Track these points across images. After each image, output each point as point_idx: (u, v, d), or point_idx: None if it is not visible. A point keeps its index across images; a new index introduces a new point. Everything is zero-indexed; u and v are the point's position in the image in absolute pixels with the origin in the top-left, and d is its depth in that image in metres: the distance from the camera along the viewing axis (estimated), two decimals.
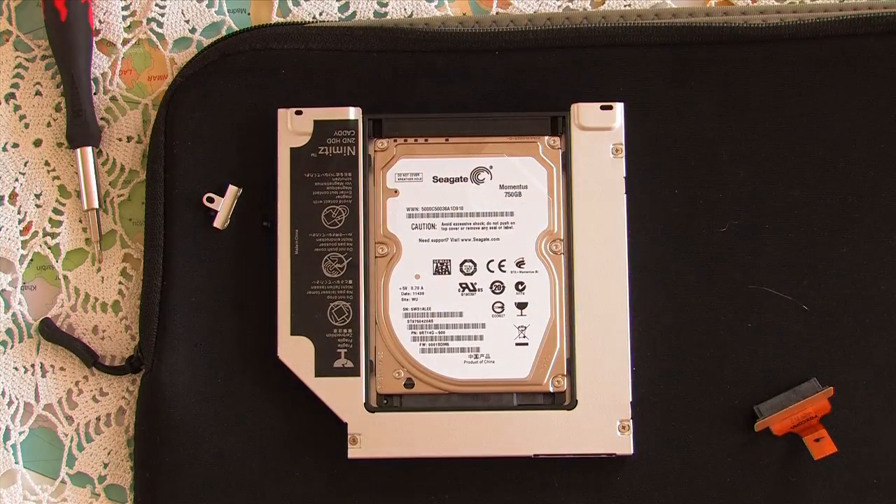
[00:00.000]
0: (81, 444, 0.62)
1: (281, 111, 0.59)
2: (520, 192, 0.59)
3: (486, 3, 0.63)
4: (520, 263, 0.58)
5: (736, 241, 0.59)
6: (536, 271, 0.58)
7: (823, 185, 0.59)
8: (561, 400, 0.58)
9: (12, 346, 0.63)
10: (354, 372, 0.58)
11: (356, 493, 0.59)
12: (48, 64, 0.64)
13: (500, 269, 0.58)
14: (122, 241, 0.63)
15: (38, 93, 0.64)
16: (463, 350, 0.58)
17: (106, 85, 0.64)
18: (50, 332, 0.62)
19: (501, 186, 0.59)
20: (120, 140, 0.63)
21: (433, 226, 0.59)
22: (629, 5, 0.62)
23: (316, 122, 0.59)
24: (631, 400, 0.57)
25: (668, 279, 0.59)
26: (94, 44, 0.63)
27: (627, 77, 0.60)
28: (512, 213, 0.59)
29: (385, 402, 0.58)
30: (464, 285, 0.58)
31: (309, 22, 0.63)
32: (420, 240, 0.59)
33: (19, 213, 0.63)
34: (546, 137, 0.59)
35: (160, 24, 0.64)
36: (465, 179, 0.59)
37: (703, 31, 0.60)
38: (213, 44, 0.62)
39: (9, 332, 0.63)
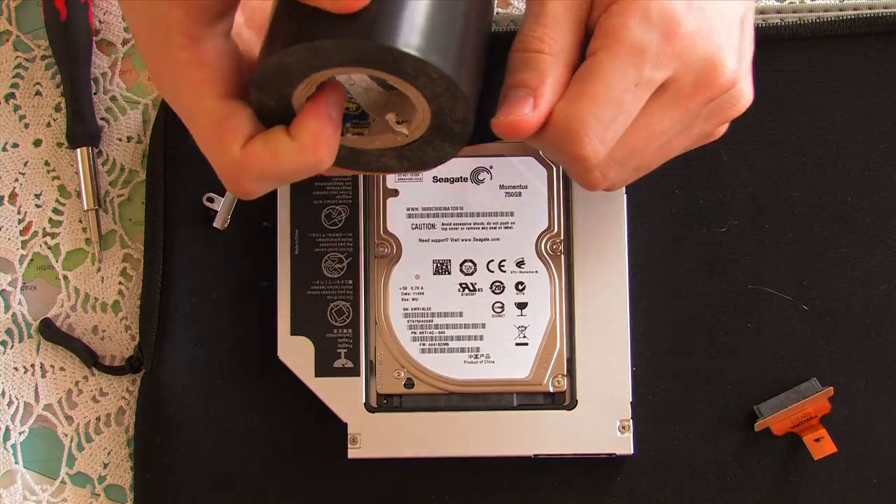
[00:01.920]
0: (81, 444, 0.62)
1: None
2: (520, 192, 0.59)
3: None
4: (520, 263, 0.58)
5: (736, 241, 0.59)
6: (536, 271, 0.58)
7: (823, 185, 0.59)
8: (561, 400, 0.58)
9: (12, 346, 0.63)
10: (354, 372, 0.58)
11: (356, 493, 0.59)
12: (48, 64, 0.64)
13: (500, 269, 0.58)
14: (122, 241, 0.63)
15: (38, 93, 0.64)
16: (463, 350, 0.58)
17: (106, 85, 0.64)
18: (50, 332, 0.62)
19: (501, 186, 0.59)
20: (120, 140, 0.63)
21: (433, 226, 0.59)
22: None
23: None
24: (631, 400, 0.57)
25: (668, 279, 0.59)
26: (94, 44, 0.63)
27: None
28: (512, 213, 0.59)
29: (385, 402, 0.58)
30: (464, 285, 0.58)
31: None
32: (420, 240, 0.59)
33: (19, 213, 0.63)
34: None
35: None
36: (465, 179, 0.59)
37: None
38: None
39: (9, 332, 0.63)
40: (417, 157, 0.46)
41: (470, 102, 0.43)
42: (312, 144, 0.43)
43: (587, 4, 0.45)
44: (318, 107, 0.43)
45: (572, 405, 0.57)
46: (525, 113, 0.43)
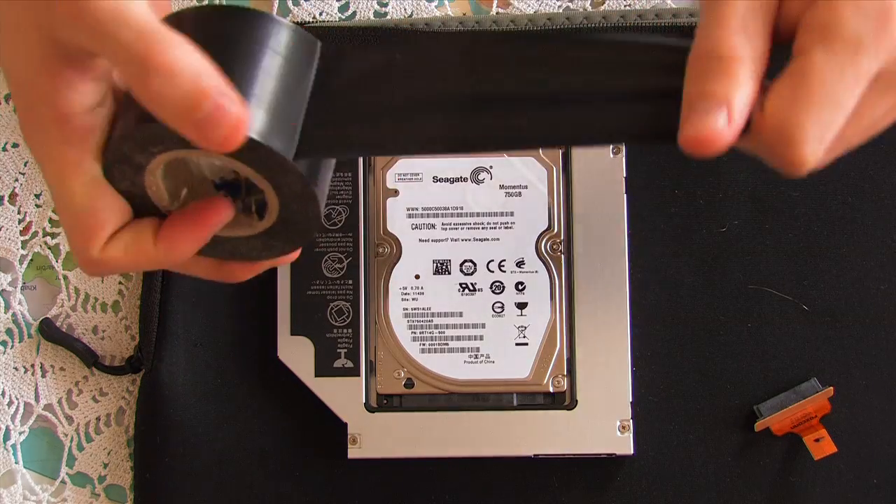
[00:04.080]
0: (81, 444, 0.62)
1: None
2: (520, 192, 0.59)
3: (486, 3, 0.63)
4: (520, 263, 0.58)
5: (736, 241, 0.59)
6: (536, 271, 0.58)
7: (823, 185, 0.59)
8: (561, 400, 0.58)
9: (12, 346, 0.63)
10: (354, 372, 0.58)
11: (356, 493, 0.59)
12: None
13: (500, 269, 0.58)
14: None
15: None
16: (463, 350, 0.58)
17: None
18: (50, 332, 0.62)
19: (501, 186, 0.59)
20: None
21: (433, 226, 0.59)
22: (629, 5, 0.62)
23: None
24: (631, 400, 0.57)
25: (668, 279, 0.59)
26: None
27: None
28: (512, 213, 0.59)
29: (385, 402, 0.58)
30: (464, 285, 0.58)
31: (309, 22, 0.63)
32: (420, 240, 0.59)
33: (19, 213, 0.63)
34: None
35: None
36: (465, 179, 0.59)
37: None
38: None
39: (9, 332, 0.63)
40: (282, 240, 0.44)
41: (303, 176, 0.40)
42: (175, 258, 0.42)
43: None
44: (193, 223, 0.42)
45: (572, 405, 0.57)
46: (719, 127, 0.39)
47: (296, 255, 0.46)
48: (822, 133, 0.40)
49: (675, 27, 0.60)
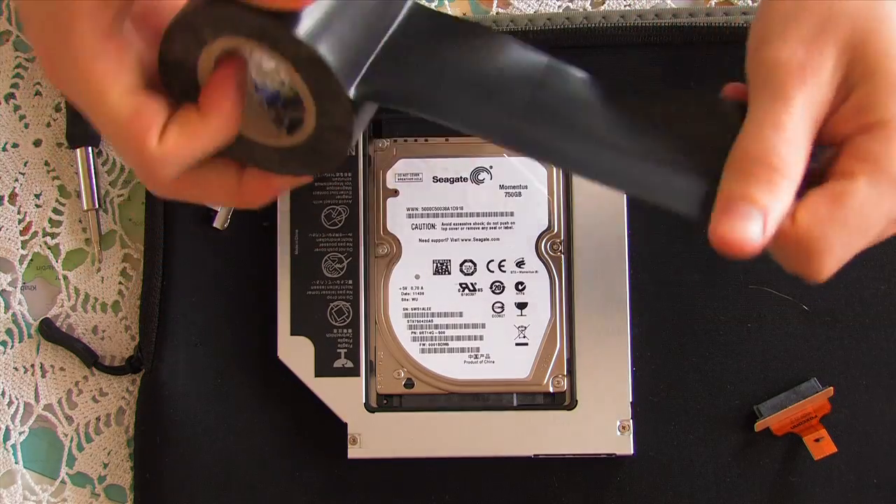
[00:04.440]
0: (81, 445, 0.62)
1: None
2: (520, 192, 0.59)
3: (486, 3, 0.63)
4: (520, 263, 0.58)
5: None
6: (536, 271, 0.58)
7: None
8: (561, 400, 0.58)
9: (12, 346, 0.63)
10: (354, 372, 0.58)
11: (356, 493, 0.59)
12: None
13: (500, 269, 0.58)
14: (122, 241, 0.63)
15: (38, 93, 0.64)
16: (463, 350, 0.58)
17: None
18: (50, 332, 0.62)
19: (501, 186, 0.59)
20: None
21: (433, 226, 0.59)
22: (629, 5, 0.62)
23: None
24: (631, 400, 0.57)
25: (668, 279, 0.59)
26: None
27: (627, 77, 0.60)
28: (512, 213, 0.59)
29: (385, 402, 0.58)
30: (464, 285, 0.58)
31: None
32: (420, 240, 0.59)
33: (19, 213, 0.63)
34: None
35: None
36: (465, 179, 0.59)
37: (704, 31, 0.60)
38: None
39: (9, 332, 0.63)
40: (300, 162, 0.46)
41: (352, 110, 0.42)
42: (222, 118, 0.43)
43: (826, 111, 0.42)
44: (225, 77, 0.43)
45: (572, 405, 0.57)
46: (753, 233, 0.40)
47: (308, 179, 0.47)
48: (845, 255, 0.42)
49: (673, 27, 0.60)
